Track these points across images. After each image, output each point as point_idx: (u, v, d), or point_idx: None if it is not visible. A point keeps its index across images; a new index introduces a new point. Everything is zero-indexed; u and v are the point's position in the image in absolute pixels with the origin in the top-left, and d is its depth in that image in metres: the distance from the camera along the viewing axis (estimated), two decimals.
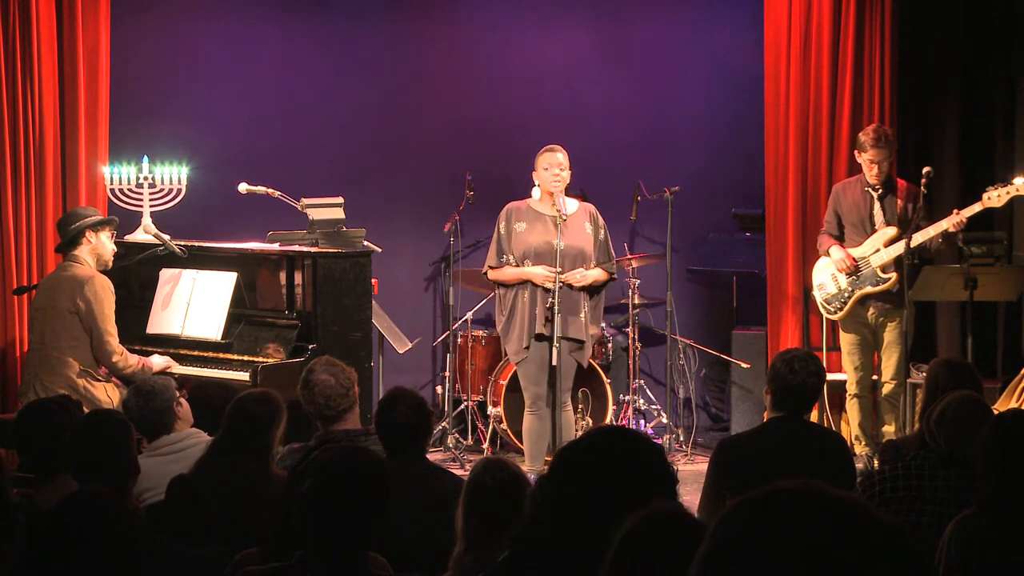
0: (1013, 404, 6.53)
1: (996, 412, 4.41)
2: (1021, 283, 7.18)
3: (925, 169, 6.90)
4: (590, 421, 7.65)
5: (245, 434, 4.14)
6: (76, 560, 2.75)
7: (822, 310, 7.35)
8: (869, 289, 7.09)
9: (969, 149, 7.96)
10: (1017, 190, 6.66)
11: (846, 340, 7.25)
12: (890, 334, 7.10)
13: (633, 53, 9.20)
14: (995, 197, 6.69)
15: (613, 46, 9.21)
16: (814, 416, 6.61)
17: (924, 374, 5.05)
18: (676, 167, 8.79)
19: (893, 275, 7.00)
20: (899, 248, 6.91)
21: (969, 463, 3.79)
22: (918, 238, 6.81)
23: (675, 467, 2.78)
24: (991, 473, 3.28)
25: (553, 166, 6.49)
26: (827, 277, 7.25)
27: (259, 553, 3.19)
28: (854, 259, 7.10)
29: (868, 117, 7.78)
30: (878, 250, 7.04)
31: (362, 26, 8.82)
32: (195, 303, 6.69)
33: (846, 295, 7.17)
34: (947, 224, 6.75)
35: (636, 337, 8.14)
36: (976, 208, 6.74)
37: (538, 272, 6.47)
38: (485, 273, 6.75)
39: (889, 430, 7.07)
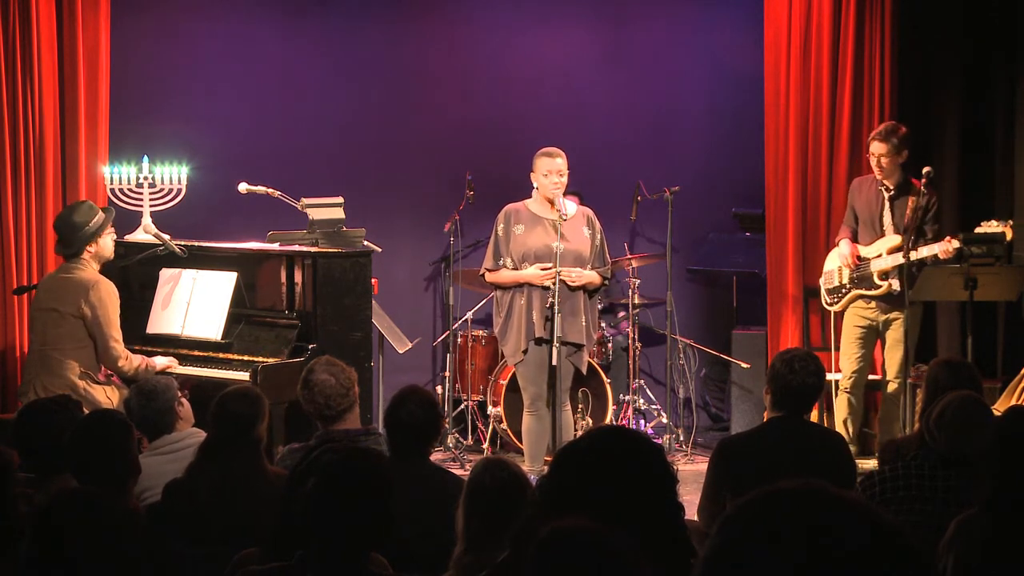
0: (1013, 404, 6.53)
1: (996, 412, 4.41)
2: (1021, 283, 7.18)
3: (925, 169, 6.90)
4: (590, 421, 7.66)
5: (231, 433, 4.15)
6: (65, 560, 2.75)
7: (824, 300, 7.38)
8: (863, 291, 7.11)
9: (969, 149, 7.96)
10: (1006, 232, 6.71)
11: (846, 334, 7.24)
12: (896, 332, 7.10)
13: (633, 53, 9.20)
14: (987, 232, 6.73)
15: (613, 46, 9.21)
16: (814, 416, 6.61)
17: (924, 374, 5.05)
18: (676, 167, 8.79)
19: (888, 283, 7.01)
20: (899, 258, 6.94)
21: (969, 463, 3.79)
22: (922, 252, 6.84)
23: (675, 467, 2.78)
24: (992, 473, 3.28)
25: (553, 173, 6.48)
26: (835, 268, 7.28)
27: (259, 553, 3.19)
28: (858, 258, 7.12)
29: (868, 117, 7.78)
30: (880, 255, 7.05)
31: (362, 26, 8.82)
32: (195, 303, 6.69)
33: (843, 291, 7.21)
34: (938, 250, 6.78)
35: (636, 337, 8.14)
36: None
37: (534, 273, 6.46)
38: (482, 275, 6.75)
39: (898, 427, 7.06)
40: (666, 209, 7.76)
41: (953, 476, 3.86)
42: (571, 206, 6.66)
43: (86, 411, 4.54)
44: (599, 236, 6.64)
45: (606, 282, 6.72)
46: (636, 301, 8.15)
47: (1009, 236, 6.71)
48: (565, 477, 2.42)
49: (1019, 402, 6.55)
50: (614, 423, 7.74)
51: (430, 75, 8.97)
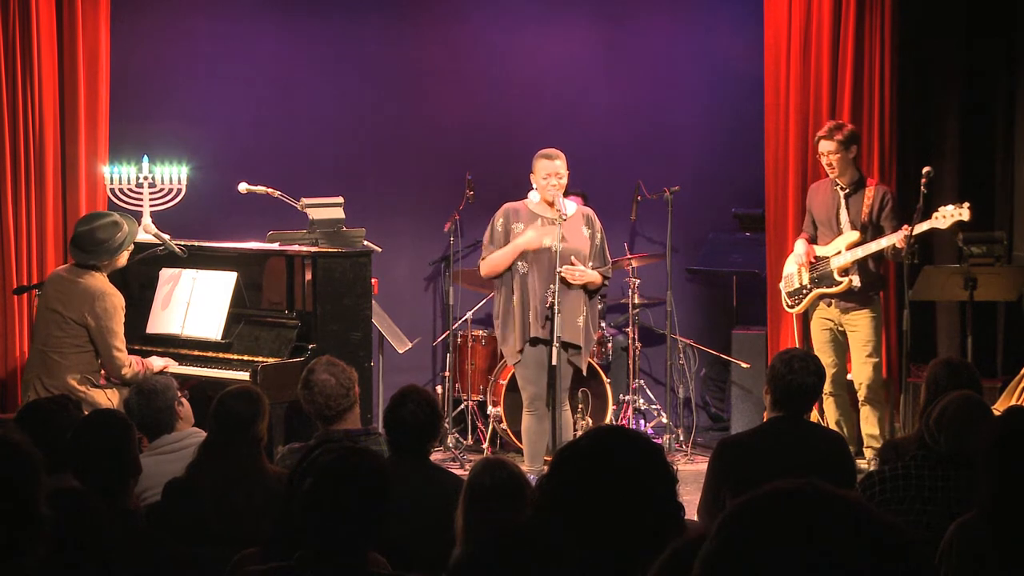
0: (1013, 404, 6.53)
1: (996, 412, 4.41)
2: (1021, 283, 7.18)
3: (925, 169, 6.90)
4: (590, 421, 7.66)
5: (231, 432, 4.16)
6: (64, 559, 2.74)
7: (784, 303, 7.40)
8: (825, 290, 7.12)
9: (969, 149, 7.96)
10: (962, 215, 6.67)
11: (816, 338, 7.26)
12: (856, 338, 7.08)
13: (633, 53, 9.20)
14: (942, 218, 6.70)
15: (613, 46, 9.21)
16: (812, 417, 6.60)
17: (925, 374, 5.05)
18: (676, 167, 8.79)
19: (848, 279, 7.01)
20: (857, 253, 6.96)
21: (969, 463, 3.79)
22: (882, 243, 6.83)
23: (675, 467, 2.78)
24: (992, 473, 3.28)
25: (551, 175, 6.48)
26: (793, 270, 7.29)
27: (259, 553, 3.19)
28: (814, 256, 7.13)
29: (868, 117, 7.78)
30: (839, 252, 7.05)
31: (362, 26, 8.82)
32: (195, 303, 6.69)
33: (804, 292, 7.21)
34: (896, 239, 6.76)
35: (636, 337, 8.14)
36: (924, 227, 6.74)
37: (531, 236, 6.43)
38: (478, 269, 6.77)
39: (873, 432, 7.06)
40: (666, 209, 7.76)
41: (953, 476, 3.86)
42: (571, 205, 6.66)
43: (86, 411, 4.54)
44: (599, 235, 6.64)
45: (606, 281, 6.72)
46: (636, 301, 8.15)
47: (967, 217, 6.67)
48: (565, 477, 2.41)
49: (1019, 402, 6.55)
50: (614, 423, 7.74)
51: (430, 75, 8.97)
